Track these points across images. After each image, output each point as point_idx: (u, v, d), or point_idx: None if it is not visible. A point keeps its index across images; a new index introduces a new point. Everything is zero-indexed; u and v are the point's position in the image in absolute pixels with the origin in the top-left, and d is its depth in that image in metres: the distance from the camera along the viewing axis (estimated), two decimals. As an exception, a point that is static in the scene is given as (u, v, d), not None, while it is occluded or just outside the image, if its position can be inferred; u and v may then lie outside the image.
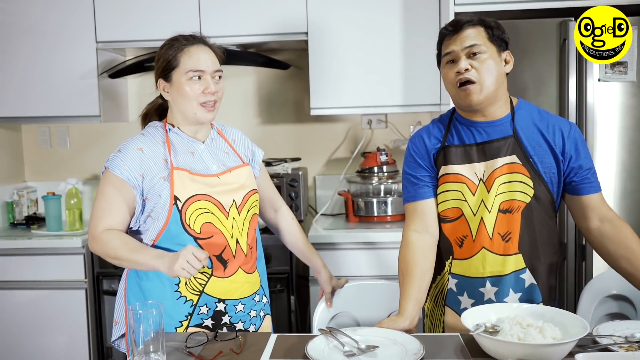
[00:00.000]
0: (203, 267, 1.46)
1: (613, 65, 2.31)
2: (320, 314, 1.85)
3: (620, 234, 1.53)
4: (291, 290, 2.57)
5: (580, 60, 2.32)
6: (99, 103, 2.83)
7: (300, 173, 2.85)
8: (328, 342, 1.37)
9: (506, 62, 1.57)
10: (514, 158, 1.55)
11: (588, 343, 1.32)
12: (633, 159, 2.35)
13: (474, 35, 1.53)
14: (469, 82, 1.52)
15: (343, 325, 1.83)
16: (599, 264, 2.37)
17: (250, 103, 3.14)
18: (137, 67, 2.83)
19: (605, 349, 1.29)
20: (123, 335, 1.63)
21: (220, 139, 1.70)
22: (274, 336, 1.48)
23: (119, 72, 2.83)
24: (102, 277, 2.66)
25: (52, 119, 2.89)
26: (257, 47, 2.92)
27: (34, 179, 3.25)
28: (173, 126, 1.63)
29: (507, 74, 1.59)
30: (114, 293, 2.70)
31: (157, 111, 1.70)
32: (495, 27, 1.56)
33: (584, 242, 2.37)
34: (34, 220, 2.97)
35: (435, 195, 1.64)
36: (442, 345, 1.38)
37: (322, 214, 3.02)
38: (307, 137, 3.15)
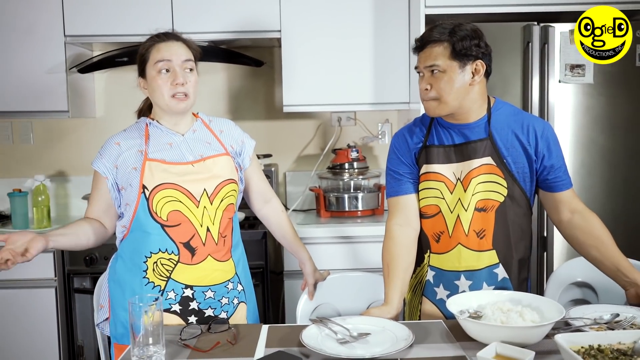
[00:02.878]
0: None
1: (572, 67, 2.45)
2: (302, 306, 1.89)
3: (589, 225, 1.64)
4: (266, 284, 2.61)
5: (542, 62, 2.46)
6: (68, 98, 2.78)
7: (272, 169, 2.89)
8: (320, 331, 1.42)
9: (475, 72, 1.59)
10: (489, 159, 1.63)
11: (561, 325, 1.42)
12: (591, 156, 2.51)
13: (435, 55, 1.58)
14: (429, 98, 1.62)
15: (326, 315, 1.88)
16: (559, 254, 2.52)
17: (221, 99, 3.16)
18: (107, 62, 2.79)
19: (577, 330, 1.39)
20: (107, 319, 1.68)
21: (205, 130, 1.73)
22: (265, 327, 1.52)
23: (89, 67, 2.79)
24: (73, 275, 2.62)
25: (18, 114, 2.83)
26: (228, 43, 2.93)
27: (-6, 176, 3.16)
28: (153, 119, 1.69)
29: (487, 79, 1.65)
30: (85, 291, 2.67)
31: (149, 108, 1.74)
32: (462, 39, 1.57)
33: (545, 234, 2.52)
34: (-3, 218, 2.90)
35: (417, 191, 1.71)
36: (428, 332, 1.45)
37: (293, 210, 3.07)
38: (277, 134, 3.18)
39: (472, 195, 1.63)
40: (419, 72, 1.65)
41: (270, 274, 2.66)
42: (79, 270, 2.61)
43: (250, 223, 2.75)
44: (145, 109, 1.75)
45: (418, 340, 1.38)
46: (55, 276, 2.61)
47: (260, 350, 1.37)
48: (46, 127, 3.15)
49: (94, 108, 3.13)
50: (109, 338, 1.73)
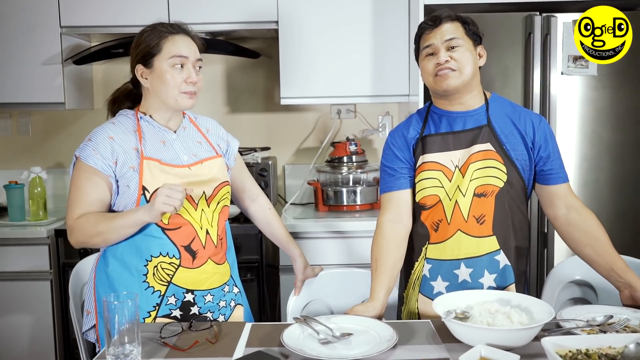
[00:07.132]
0: (184, 197, 1.43)
1: (575, 59, 2.38)
2: (293, 302, 1.86)
3: (585, 222, 1.60)
4: (261, 279, 2.58)
5: (544, 53, 2.39)
6: (64, 90, 2.77)
7: (270, 162, 2.85)
8: (303, 330, 1.39)
9: (480, 56, 1.65)
10: (488, 146, 1.61)
11: (552, 327, 1.37)
12: (594, 150, 2.44)
13: (453, 30, 1.61)
14: (449, 69, 1.59)
15: (316, 312, 1.85)
16: (560, 251, 2.46)
17: (219, 92, 3.12)
18: (103, 53, 2.77)
19: (569, 332, 1.35)
20: (94, 327, 1.61)
21: (193, 128, 1.69)
22: (248, 325, 1.49)
23: (85, 58, 2.76)
24: (68, 267, 2.60)
25: (14, 105, 2.81)
26: (226, 35, 2.89)
27: (-8, 167, 3.16)
28: (145, 114, 1.62)
29: (481, 67, 1.66)
30: (80, 284, 2.66)
31: (128, 97, 1.68)
32: (471, 22, 1.64)
33: (546, 230, 2.46)
34: (-5, 210, 2.89)
35: (412, 187, 1.68)
36: (414, 332, 1.41)
37: (291, 203, 3.04)
38: (276, 127, 3.14)
39: (470, 180, 1.60)
40: (430, 53, 1.62)
41: (267, 268, 2.63)
42: (74, 262, 2.58)
43: (246, 217, 2.71)
44: (122, 99, 1.68)
45: (402, 341, 1.34)
46: (51, 268, 2.60)
47: (240, 349, 1.34)
48: (45, 118, 3.14)
49: (92, 99, 3.11)
50: (93, 345, 1.67)
